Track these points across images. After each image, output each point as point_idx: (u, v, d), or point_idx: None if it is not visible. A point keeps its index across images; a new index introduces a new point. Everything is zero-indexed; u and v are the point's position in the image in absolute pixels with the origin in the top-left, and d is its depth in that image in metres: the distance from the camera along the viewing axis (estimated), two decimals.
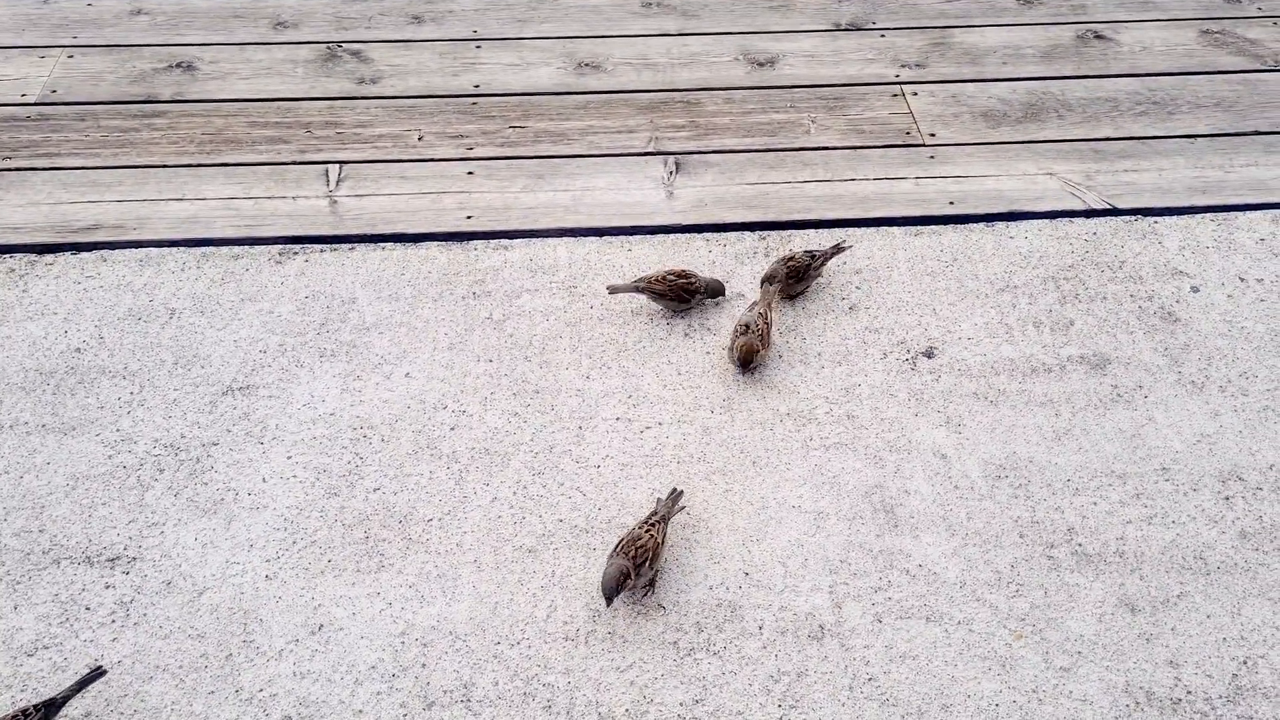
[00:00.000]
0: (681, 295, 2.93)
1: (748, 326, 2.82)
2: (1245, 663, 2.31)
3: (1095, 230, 3.24)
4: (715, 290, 2.99)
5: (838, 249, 3.06)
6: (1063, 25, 4.05)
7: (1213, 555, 2.48)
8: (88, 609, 2.37)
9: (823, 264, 3.02)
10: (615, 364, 2.88)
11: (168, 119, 3.59)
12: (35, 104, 3.63)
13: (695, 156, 3.50)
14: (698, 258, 3.16)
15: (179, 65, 3.81)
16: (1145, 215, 3.28)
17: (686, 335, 2.94)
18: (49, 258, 3.11)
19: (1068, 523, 2.54)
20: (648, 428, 2.74)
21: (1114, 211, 3.29)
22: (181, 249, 3.14)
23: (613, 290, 2.96)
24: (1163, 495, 2.59)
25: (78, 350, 2.87)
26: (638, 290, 2.94)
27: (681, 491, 2.54)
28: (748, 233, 3.24)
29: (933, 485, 2.61)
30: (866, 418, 2.75)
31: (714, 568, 2.47)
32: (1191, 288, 3.07)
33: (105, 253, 3.12)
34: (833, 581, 2.44)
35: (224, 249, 3.15)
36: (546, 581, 2.43)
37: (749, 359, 2.80)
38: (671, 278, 2.93)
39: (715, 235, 3.23)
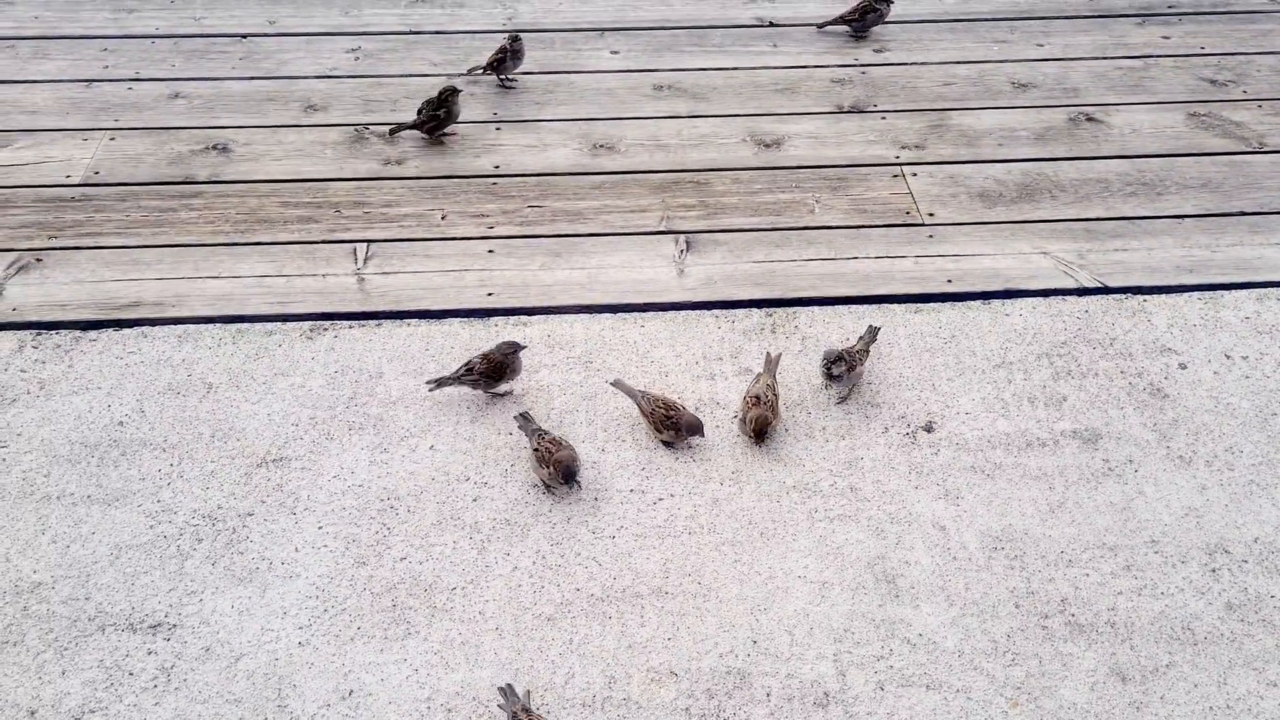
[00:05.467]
0: (660, 424, 2.95)
1: (759, 398, 2.96)
2: None
3: (1087, 308, 3.39)
4: (694, 429, 2.94)
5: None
6: (1055, 108, 4.24)
7: (1200, 626, 2.60)
8: (131, 674, 2.50)
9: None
10: (629, 437, 3.03)
11: (204, 199, 3.78)
12: (79, 184, 3.83)
13: (705, 235, 3.67)
14: (708, 334, 3.32)
15: (215, 147, 4.01)
16: (1135, 294, 3.43)
17: (696, 409, 3.08)
18: (93, 334, 3.28)
19: (1061, 593, 2.66)
20: (660, 499, 2.88)
21: (1105, 290, 3.45)
22: (217, 325, 3.31)
23: (616, 384, 3.06)
24: (1152, 567, 2.72)
25: (120, 423, 3.03)
26: (632, 395, 3.02)
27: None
28: (755, 309, 3.40)
29: (932, 556, 2.74)
30: (869, 490, 2.89)
31: (724, 636, 2.59)
32: (1180, 365, 3.21)
33: (146, 329, 3.29)
34: (837, 650, 2.56)
35: (257, 325, 3.31)
36: (565, 649, 2.55)
37: (763, 430, 2.93)
38: (660, 405, 2.96)
39: (724, 312, 3.39)
